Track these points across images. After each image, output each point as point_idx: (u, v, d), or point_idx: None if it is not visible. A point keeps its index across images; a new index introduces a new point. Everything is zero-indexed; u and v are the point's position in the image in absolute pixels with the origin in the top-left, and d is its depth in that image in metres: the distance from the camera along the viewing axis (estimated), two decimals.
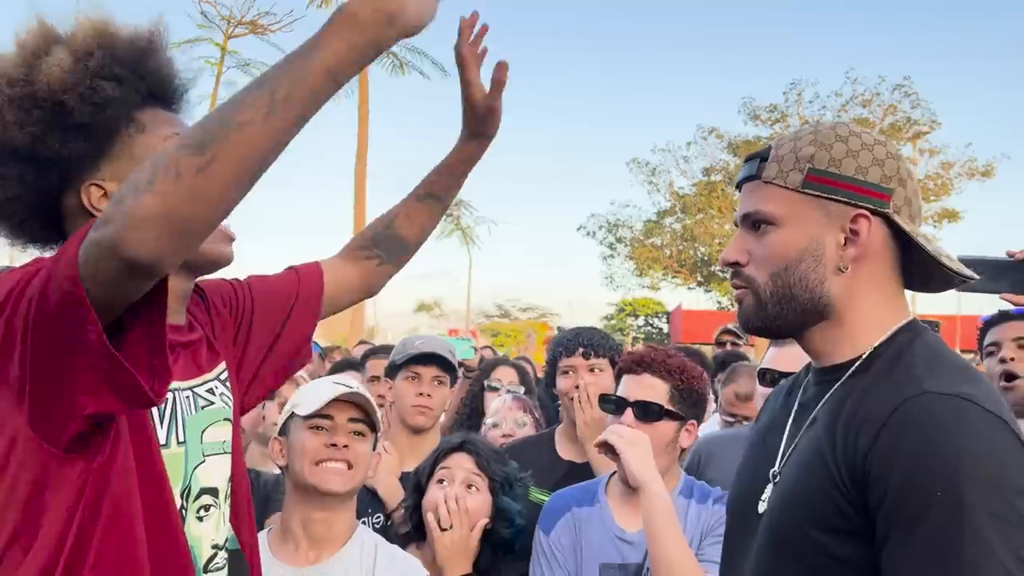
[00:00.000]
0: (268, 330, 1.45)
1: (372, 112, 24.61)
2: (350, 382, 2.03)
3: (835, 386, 1.17)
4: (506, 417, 3.03)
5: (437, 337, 2.99)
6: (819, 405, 1.19)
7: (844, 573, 1.07)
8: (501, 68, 1.50)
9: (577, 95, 65.08)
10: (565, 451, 2.65)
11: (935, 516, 0.98)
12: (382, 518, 2.46)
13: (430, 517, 2.06)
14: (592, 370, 2.63)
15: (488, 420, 3.07)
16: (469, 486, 2.11)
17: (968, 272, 1.21)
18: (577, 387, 2.57)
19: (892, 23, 49.06)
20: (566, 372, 2.68)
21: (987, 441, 1.00)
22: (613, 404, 2.08)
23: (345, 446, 1.88)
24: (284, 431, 1.99)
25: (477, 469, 2.12)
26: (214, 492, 1.26)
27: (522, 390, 3.71)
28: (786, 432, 1.24)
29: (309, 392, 1.98)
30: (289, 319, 1.46)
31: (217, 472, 1.28)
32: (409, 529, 2.19)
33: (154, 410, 1.15)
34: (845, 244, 1.17)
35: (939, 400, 1.03)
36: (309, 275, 1.51)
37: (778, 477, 1.20)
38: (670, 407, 2.01)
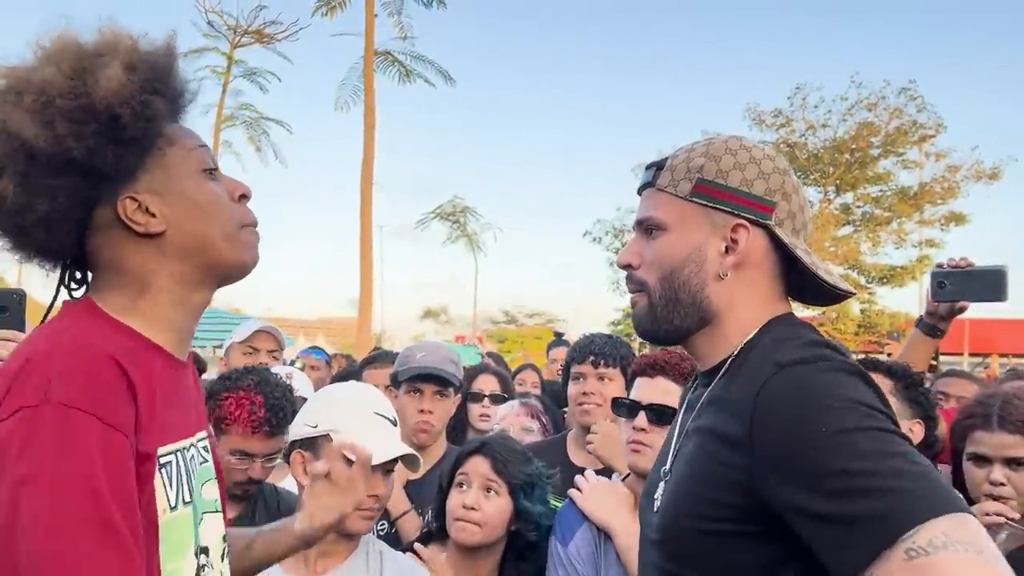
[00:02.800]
0: None
1: (378, 120, 24.69)
2: (390, 410, 1.97)
3: (712, 384, 1.23)
4: (512, 423, 3.03)
5: (440, 347, 2.97)
6: (699, 403, 1.25)
7: (729, 558, 1.11)
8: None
9: (582, 101, 65.19)
10: (578, 457, 2.64)
11: (828, 455, 1.00)
12: (387, 526, 2.47)
13: None
14: (601, 379, 2.63)
15: (496, 426, 3.07)
16: (487, 490, 2.10)
17: (845, 287, 1.26)
18: (584, 398, 2.59)
19: (897, 27, 49.05)
20: (576, 378, 2.69)
21: (837, 383, 1.06)
22: (626, 407, 2.08)
23: (379, 494, 1.88)
24: (310, 446, 1.91)
25: (494, 473, 2.10)
26: (206, 551, 1.23)
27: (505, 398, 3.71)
28: (676, 431, 1.30)
29: (353, 425, 1.86)
30: None
31: (210, 531, 1.25)
32: (432, 529, 2.20)
33: (164, 473, 1.13)
34: (726, 252, 1.22)
35: (791, 369, 1.09)
36: None
37: (669, 475, 1.25)
38: None
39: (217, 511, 1.29)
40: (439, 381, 2.69)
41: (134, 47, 1.16)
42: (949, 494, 0.97)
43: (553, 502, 2.21)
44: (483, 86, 63.09)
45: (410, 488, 2.55)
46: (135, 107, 1.11)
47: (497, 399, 3.68)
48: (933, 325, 2.53)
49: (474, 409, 3.69)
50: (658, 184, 1.27)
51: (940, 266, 2.51)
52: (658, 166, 1.29)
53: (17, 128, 1.09)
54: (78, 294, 1.23)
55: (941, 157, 25.19)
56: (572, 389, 2.70)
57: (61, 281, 1.23)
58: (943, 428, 2.71)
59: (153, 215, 1.17)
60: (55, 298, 1.24)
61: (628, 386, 2.19)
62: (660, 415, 2.00)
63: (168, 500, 1.13)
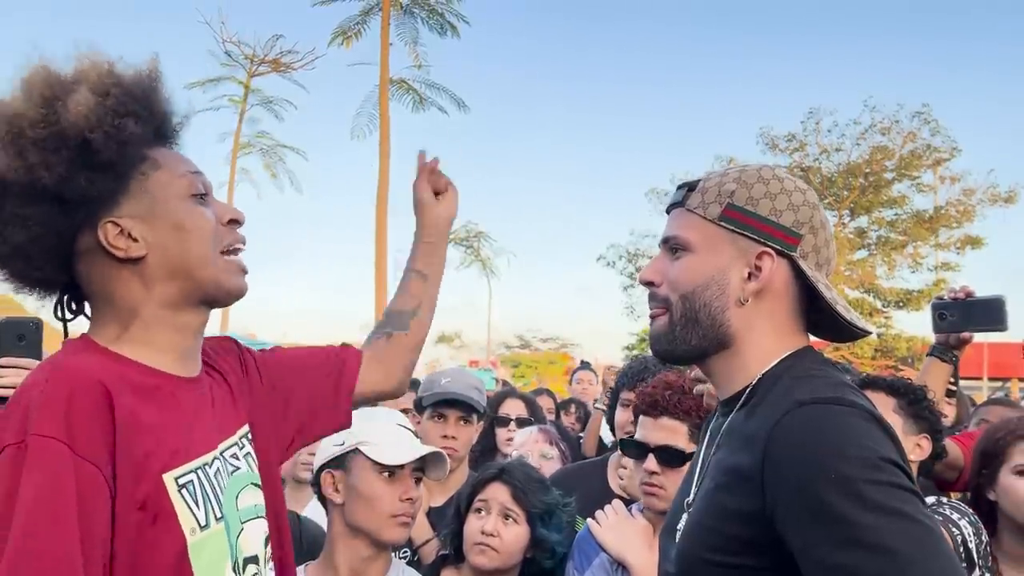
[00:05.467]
0: (297, 407, 1.45)
1: (393, 146, 24.89)
2: (410, 426, 2.06)
3: (731, 415, 1.24)
4: (532, 450, 3.03)
5: (464, 373, 2.99)
6: (719, 434, 1.25)
7: None
8: (431, 162, 1.68)
9: (595, 126, 65.41)
10: (617, 484, 2.61)
11: (833, 500, 1.00)
12: (408, 553, 2.47)
13: None
14: None
15: (514, 452, 3.07)
16: (506, 517, 2.11)
17: (863, 325, 1.26)
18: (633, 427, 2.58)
19: (910, 50, 49.07)
20: (625, 405, 2.66)
21: (853, 429, 1.06)
22: (635, 449, 2.05)
23: (413, 497, 1.93)
24: (340, 464, 1.95)
25: (513, 500, 2.12)
26: (255, 560, 1.24)
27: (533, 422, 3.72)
28: (699, 462, 1.31)
29: (380, 434, 1.94)
30: (318, 403, 1.48)
31: (255, 538, 1.25)
32: (448, 552, 2.22)
33: (185, 494, 1.12)
34: (748, 278, 1.23)
35: (809, 408, 1.10)
36: (345, 359, 1.54)
37: (691, 507, 1.25)
38: (692, 447, 1.96)
39: (259, 517, 1.28)
40: (463, 407, 2.69)
41: (108, 72, 1.16)
42: (947, 563, 0.97)
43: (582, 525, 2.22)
44: (497, 112, 63.50)
45: (432, 515, 2.55)
46: (107, 130, 1.10)
47: (524, 423, 3.68)
48: (946, 351, 2.55)
49: (501, 433, 3.70)
50: (688, 205, 1.28)
51: (940, 298, 2.55)
52: (690, 187, 1.30)
53: None
54: (73, 323, 1.24)
55: (956, 180, 25.12)
56: (619, 416, 2.67)
57: (55, 311, 1.23)
58: (959, 456, 2.68)
59: (135, 240, 1.16)
60: (65, 330, 1.24)
61: (635, 421, 2.15)
62: (668, 457, 1.97)
63: (196, 520, 1.12)
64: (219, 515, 1.17)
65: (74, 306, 1.24)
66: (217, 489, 1.18)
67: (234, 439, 1.28)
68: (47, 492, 0.99)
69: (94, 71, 1.15)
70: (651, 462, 1.99)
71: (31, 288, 1.22)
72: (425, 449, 1.94)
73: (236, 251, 1.25)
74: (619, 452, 2.66)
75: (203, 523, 1.13)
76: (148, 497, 1.07)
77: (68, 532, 0.99)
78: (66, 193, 1.11)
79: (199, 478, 1.15)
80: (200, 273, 1.19)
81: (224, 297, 1.24)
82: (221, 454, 1.23)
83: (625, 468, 2.40)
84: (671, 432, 1.99)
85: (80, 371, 1.08)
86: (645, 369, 2.65)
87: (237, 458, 1.27)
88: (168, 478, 1.10)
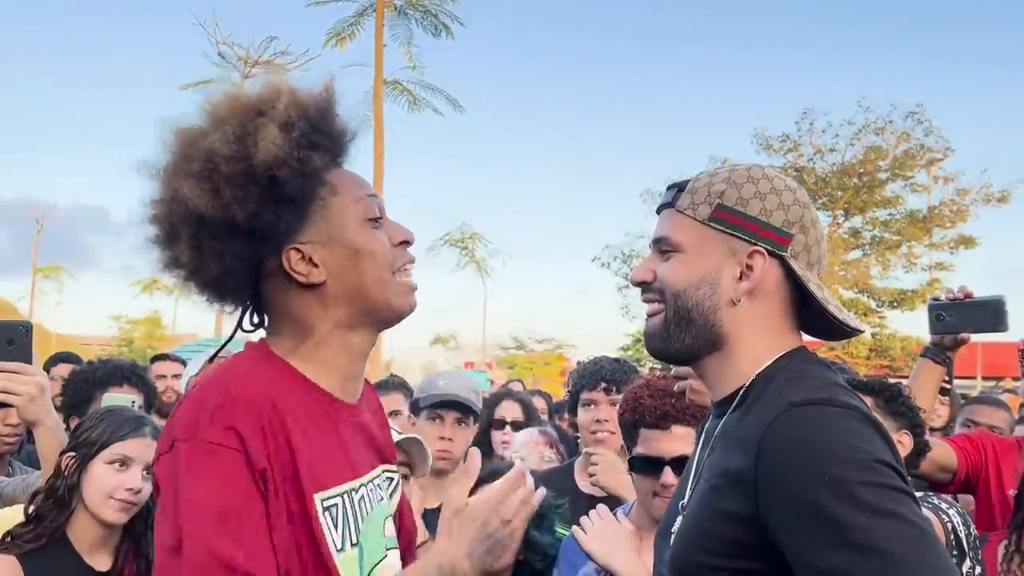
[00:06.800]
0: None
1: (387, 147, 24.88)
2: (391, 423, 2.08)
3: (725, 416, 1.23)
4: (532, 452, 3.03)
5: (460, 375, 3.00)
6: (713, 436, 1.25)
7: None
8: None
9: (591, 127, 65.52)
10: (585, 484, 2.63)
11: (826, 503, 1.01)
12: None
13: None
14: (614, 404, 2.60)
15: (513, 455, 3.07)
16: None
17: (854, 324, 1.26)
18: (598, 425, 2.59)
19: (904, 51, 49.30)
20: (587, 405, 2.68)
21: (846, 431, 1.07)
22: (647, 465, 1.96)
23: None
24: None
25: None
26: None
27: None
28: (693, 465, 1.31)
29: None
30: None
31: (391, 569, 1.27)
32: None
33: (328, 517, 1.16)
34: (740, 278, 1.23)
35: (802, 409, 1.09)
36: None
37: (686, 509, 1.25)
38: None
39: (395, 548, 1.32)
40: (460, 408, 2.70)
41: (292, 102, 1.18)
42: (939, 563, 0.99)
43: (560, 530, 2.22)
44: (492, 113, 63.70)
45: (427, 517, 2.56)
46: (292, 165, 1.15)
47: (519, 427, 3.67)
48: (939, 353, 2.54)
49: (496, 436, 3.69)
50: (677, 205, 1.27)
51: (936, 299, 2.53)
52: (679, 187, 1.29)
53: (188, 196, 1.14)
54: (255, 333, 1.29)
55: (949, 180, 25.21)
56: (583, 416, 2.67)
57: (239, 324, 1.29)
58: (951, 457, 2.68)
59: (316, 265, 1.21)
60: (229, 338, 1.32)
61: (629, 434, 2.07)
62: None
63: (334, 543, 1.16)
64: (355, 541, 1.20)
65: (255, 318, 1.30)
66: (358, 516, 1.22)
67: (378, 470, 1.33)
68: (238, 493, 1.08)
69: (279, 101, 1.18)
70: (668, 476, 1.91)
71: (220, 303, 1.27)
72: (399, 436, 1.92)
73: (407, 271, 1.29)
74: (586, 453, 2.65)
75: (340, 547, 1.17)
76: (298, 514, 1.13)
77: (261, 533, 1.08)
78: (256, 227, 1.16)
79: (343, 503, 1.20)
80: (375, 296, 1.23)
81: (394, 318, 1.28)
82: (369, 482, 1.27)
83: (596, 464, 2.38)
84: (684, 441, 1.92)
85: (256, 388, 1.16)
86: (601, 368, 2.67)
87: (382, 489, 1.32)
88: (317, 499, 1.15)
